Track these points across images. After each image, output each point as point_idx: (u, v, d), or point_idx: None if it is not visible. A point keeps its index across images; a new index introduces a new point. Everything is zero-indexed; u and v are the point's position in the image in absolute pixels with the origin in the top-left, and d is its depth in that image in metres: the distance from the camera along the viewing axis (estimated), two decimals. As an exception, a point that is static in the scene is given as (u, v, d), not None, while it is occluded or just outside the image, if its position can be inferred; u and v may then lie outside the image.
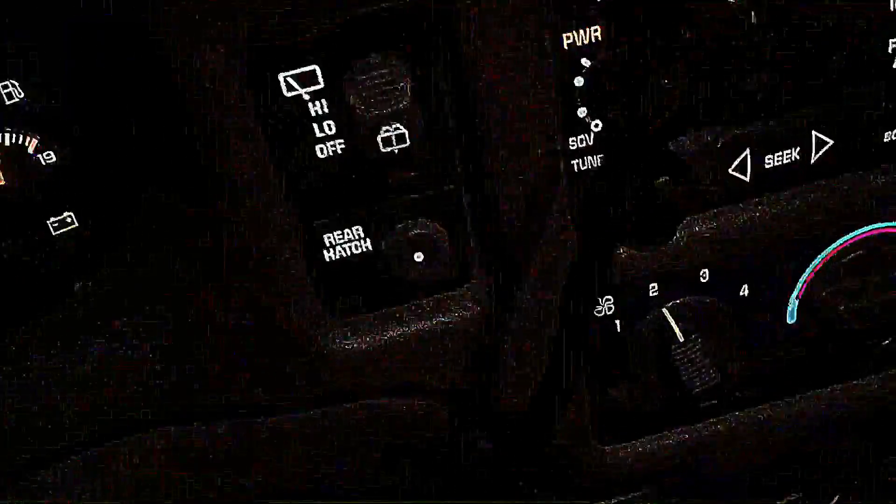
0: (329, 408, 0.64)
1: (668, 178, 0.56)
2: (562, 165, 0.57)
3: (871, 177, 0.62)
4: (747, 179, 0.61)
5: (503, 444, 0.69)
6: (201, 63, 0.50)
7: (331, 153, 0.55)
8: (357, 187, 0.57)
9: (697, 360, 0.64)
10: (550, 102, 0.54)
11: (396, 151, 0.54)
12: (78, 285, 0.61)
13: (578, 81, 0.56)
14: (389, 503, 0.76)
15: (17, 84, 0.53)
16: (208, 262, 0.58)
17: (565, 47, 0.54)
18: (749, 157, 0.60)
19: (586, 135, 0.58)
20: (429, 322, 0.62)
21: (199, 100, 0.51)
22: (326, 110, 0.53)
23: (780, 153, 0.60)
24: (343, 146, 0.55)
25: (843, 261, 0.66)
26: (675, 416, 0.72)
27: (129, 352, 0.61)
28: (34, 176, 0.55)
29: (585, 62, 0.55)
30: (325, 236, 0.58)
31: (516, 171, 0.56)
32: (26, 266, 0.58)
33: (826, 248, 0.65)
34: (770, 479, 0.82)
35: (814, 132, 0.60)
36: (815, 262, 0.66)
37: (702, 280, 0.65)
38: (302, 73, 0.52)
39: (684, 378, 0.64)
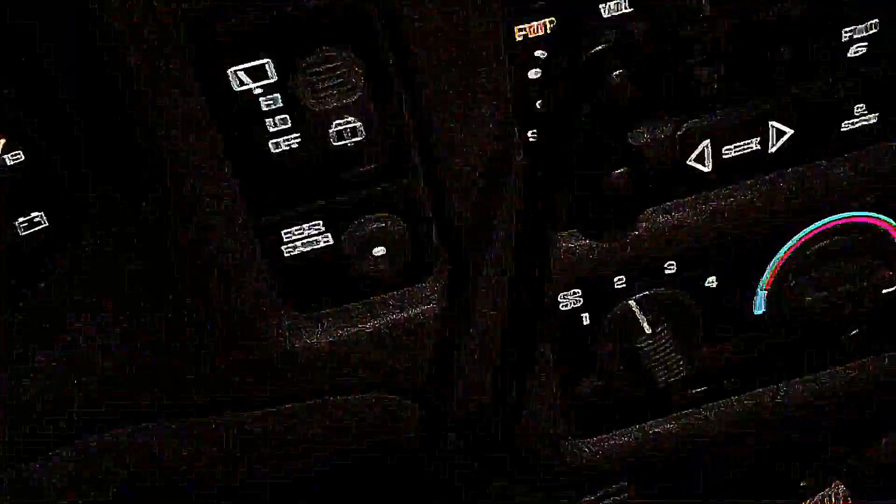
0: (290, 405, 0.64)
1: (624, 169, 0.56)
2: (514, 158, 0.57)
3: (833, 166, 0.62)
4: (707, 170, 0.61)
5: (471, 440, 0.69)
6: (146, 52, 0.49)
7: (285, 148, 0.55)
8: (314, 182, 0.57)
9: (664, 352, 0.64)
10: (504, 93, 0.54)
11: (351, 145, 0.54)
12: (40, 286, 0.61)
13: (533, 74, 0.56)
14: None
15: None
16: (163, 260, 0.58)
17: (519, 39, 0.54)
18: (708, 147, 0.60)
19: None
20: (391, 317, 0.62)
21: (147, 94, 0.50)
22: (279, 105, 0.53)
23: (740, 143, 0.60)
24: (298, 141, 0.54)
25: (810, 251, 0.66)
26: (646, 410, 0.73)
27: (87, 352, 0.61)
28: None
29: (540, 54, 0.55)
30: (284, 232, 0.58)
31: (468, 165, 0.56)
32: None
33: (791, 238, 0.65)
34: (747, 471, 0.82)
35: (772, 122, 0.60)
36: (781, 252, 0.66)
37: (668, 272, 0.65)
38: (252, 67, 0.51)
39: (651, 370, 0.64)
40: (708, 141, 0.59)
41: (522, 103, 0.56)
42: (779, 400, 0.72)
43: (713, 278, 0.66)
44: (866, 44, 0.57)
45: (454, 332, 0.62)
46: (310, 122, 0.53)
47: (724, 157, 0.60)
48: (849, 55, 0.58)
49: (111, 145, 0.55)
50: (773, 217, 0.63)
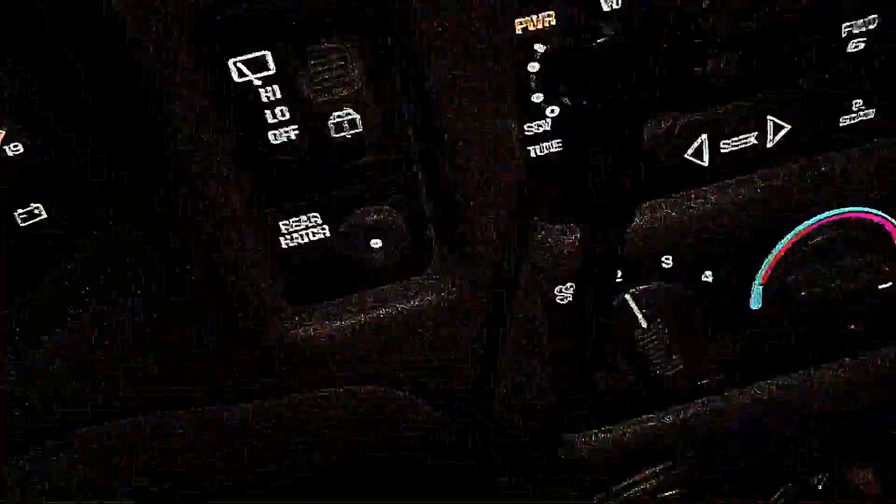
0: (287, 397, 0.64)
1: (623, 162, 0.56)
2: (516, 151, 0.57)
3: (830, 161, 0.62)
4: (705, 164, 0.61)
5: (472, 431, 0.69)
6: (153, 45, 0.49)
7: (285, 139, 0.55)
8: (313, 174, 0.57)
9: (660, 346, 0.64)
10: (504, 86, 0.54)
11: (349, 137, 0.54)
12: (48, 276, 0.61)
13: (533, 67, 0.56)
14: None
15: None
16: (169, 250, 0.58)
17: (519, 32, 0.54)
18: (706, 142, 0.60)
19: (543, 120, 0.58)
20: (388, 309, 0.62)
21: (152, 84, 0.51)
22: (279, 96, 0.53)
23: (737, 138, 0.60)
24: (297, 132, 0.55)
25: (806, 246, 0.66)
26: (643, 404, 0.73)
27: (94, 342, 0.61)
28: (1, 168, 0.55)
29: (539, 48, 0.55)
30: (282, 223, 0.58)
31: (470, 157, 0.56)
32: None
33: (788, 233, 0.65)
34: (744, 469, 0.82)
35: (770, 117, 0.60)
36: (778, 247, 0.66)
37: (665, 266, 0.65)
38: (253, 58, 0.52)
39: (647, 364, 0.64)
40: (705, 135, 0.60)
41: (522, 96, 0.56)
42: (775, 395, 0.72)
43: (710, 273, 0.66)
44: (865, 39, 0.58)
45: (452, 324, 0.62)
46: (309, 114, 0.53)
47: (722, 151, 0.60)
48: (848, 50, 0.58)
49: (121, 136, 0.55)
50: (771, 212, 0.63)
